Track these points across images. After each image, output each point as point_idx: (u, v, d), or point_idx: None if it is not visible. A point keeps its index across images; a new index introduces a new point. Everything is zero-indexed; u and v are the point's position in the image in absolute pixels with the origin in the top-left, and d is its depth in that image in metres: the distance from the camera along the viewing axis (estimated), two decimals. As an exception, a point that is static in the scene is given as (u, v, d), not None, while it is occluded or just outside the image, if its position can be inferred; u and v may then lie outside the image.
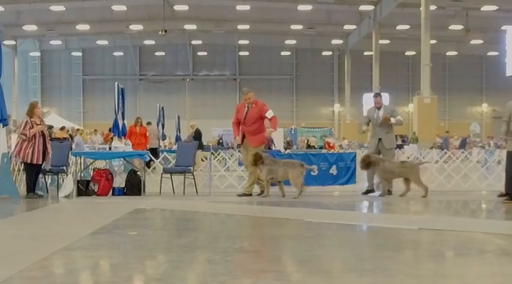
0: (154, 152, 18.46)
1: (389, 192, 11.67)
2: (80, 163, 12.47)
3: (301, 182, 11.11)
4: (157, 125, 25.72)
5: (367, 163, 11.56)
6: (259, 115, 11.59)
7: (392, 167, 11.51)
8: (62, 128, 26.25)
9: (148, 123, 21.83)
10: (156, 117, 27.31)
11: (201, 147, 20.76)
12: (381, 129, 12.05)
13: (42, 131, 11.39)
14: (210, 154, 14.39)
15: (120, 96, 19.44)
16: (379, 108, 12.21)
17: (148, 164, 14.00)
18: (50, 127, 21.30)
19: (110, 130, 25.69)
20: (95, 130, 31.25)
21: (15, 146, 11.48)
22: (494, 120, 45.54)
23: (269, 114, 11.62)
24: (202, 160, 18.35)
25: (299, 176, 11.08)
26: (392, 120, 12.01)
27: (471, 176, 13.77)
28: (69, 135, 25.95)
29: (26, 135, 11.21)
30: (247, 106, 11.64)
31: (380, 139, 12.02)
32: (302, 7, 40.45)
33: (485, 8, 37.99)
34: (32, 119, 11.37)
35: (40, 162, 11.32)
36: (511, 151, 10.42)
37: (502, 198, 10.61)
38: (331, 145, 37.01)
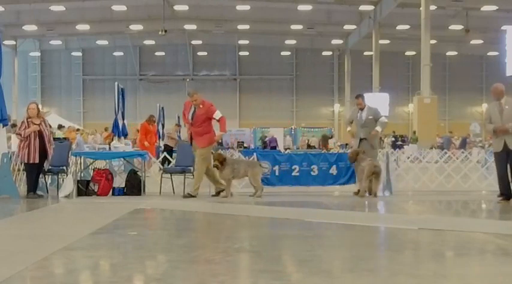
0: (170, 150, 18.29)
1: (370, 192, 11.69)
2: (80, 163, 12.48)
3: (259, 181, 11.36)
4: (157, 125, 25.74)
5: (354, 159, 11.74)
6: (207, 116, 11.42)
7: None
8: (60, 127, 26.29)
9: (177, 125, 22.06)
10: (156, 117, 27.31)
11: None
12: (364, 129, 12.05)
13: (40, 131, 11.36)
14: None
15: (120, 96, 19.42)
16: (361, 109, 12.21)
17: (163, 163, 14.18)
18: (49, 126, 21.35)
19: (105, 129, 25.78)
20: (95, 130, 31.23)
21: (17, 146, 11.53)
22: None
23: (217, 115, 11.42)
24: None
25: (258, 174, 11.30)
26: (378, 129, 12.01)
27: (471, 176, 13.77)
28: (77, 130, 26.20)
29: (21, 135, 11.24)
30: (194, 107, 11.46)
31: (362, 140, 12.02)
32: (302, 7, 40.44)
33: (485, 8, 37.99)
34: (29, 119, 11.36)
35: (37, 161, 11.29)
36: (496, 152, 10.52)
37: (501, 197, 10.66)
38: (328, 146, 37.08)
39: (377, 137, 12.34)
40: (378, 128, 12.00)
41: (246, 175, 11.37)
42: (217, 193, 11.44)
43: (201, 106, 11.40)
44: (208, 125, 11.46)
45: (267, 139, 39.72)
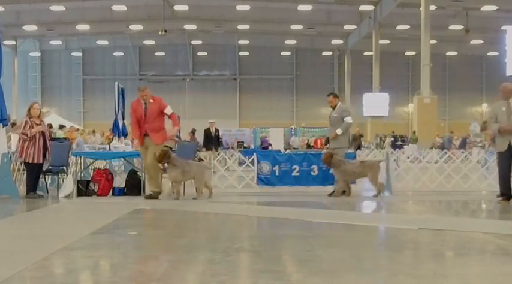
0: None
1: (344, 193, 11.63)
2: (80, 163, 12.48)
3: (210, 182, 11.30)
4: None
5: (328, 163, 11.60)
6: (160, 111, 11.26)
7: (353, 168, 11.47)
8: (61, 127, 26.33)
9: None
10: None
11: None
12: (331, 129, 12.00)
13: (42, 131, 11.43)
14: (210, 154, 14.40)
15: (120, 96, 19.42)
16: (333, 108, 12.11)
17: None
18: (50, 126, 21.39)
19: (110, 130, 25.75)
20: (93, 131, 31.20)
21: (17, 146, 11.49)
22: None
23: (168, 110, 11.28)
24: (201, 160, 18.24)
25: (204, 176, 11.07)
26: (338, 131, 11.78)
27: (471, 176, 13.77)
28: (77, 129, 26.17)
29: (27, 135, 11.23)
30: (145, 103, 11.23)
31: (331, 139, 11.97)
32: (302, 7, 40.45)
33: (485, 8, 38.00)
34: (31, 119, 11.39)
35: (41, 162, 11.37)
36: (500, 152, 10.47)
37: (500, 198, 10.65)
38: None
39: (338, 139, 11.84)
40: (338, 130, 11.76)
41: (193, 178, 11.09)
42: (150, 196, 11.01)
43: (151, 101, 11.21)
44: (161, 120, 11.32)
45: (262, 139, 39.75)
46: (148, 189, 11.28)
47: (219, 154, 18.25)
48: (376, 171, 11.43)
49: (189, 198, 11.14)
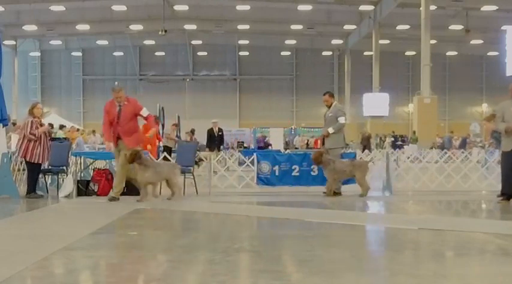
0: (170, 151, 18.13)
1: (337, 193, 11.68)
2: (80, 163, 12.48)
3: (179, 183, 11.07)
4: (157, 125, 25.72)
5: (318, 162, 11.60)
6: (134, 113, 10.83)
7: (343, 167, 11.46)
8: (61, 127, 26.34)
9: (175, 125, 21.91)
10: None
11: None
12: (325, 128, 11.99)
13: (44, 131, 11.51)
14: (210, 154, 14.40)
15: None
16: (328, 107, 12.12)
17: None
18: (51, 126, 21.42)
19: None
20: (93, 131, 31.22)
21: (20, 146, 11.43)
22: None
23: (144, 112, 10.90)
24: (201, 160, 18.23)
25: (176, 176, 10.91)
26: (330, 130, 11.81)
27: (471, 176, 13.77)
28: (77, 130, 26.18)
29: (35, 135, 11.21)
30: (119, 105, 10.74)
31: (324, 138, 11.95)
32: (302, 7, 40.44)
33: (485, 8, 37.99)
34: (35, 119, 11.42)
35: (45, 162, 11.45)
36: (505, 151, 10.44)
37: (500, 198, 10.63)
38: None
39: (333, 135, 11.89)
40: (330, 129, 11.81)
41: (165, 179, 10.83)
42: (113, 199, 10.57)
43: (126, 102, 10.75)
44: (135, 123, 10.94)
45: (257, 139, 39.76)
46: (113, 192, 10.73)
47: (219, 155, 18.19)
48: (364, 171, 11.42)
49: (189, 198, 11.14)
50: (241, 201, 10.89)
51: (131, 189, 11.76)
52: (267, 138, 40.40)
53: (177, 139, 20.73)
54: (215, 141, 20.84)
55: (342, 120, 11.95)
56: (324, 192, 11.74)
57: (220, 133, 21.18)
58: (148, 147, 17.13)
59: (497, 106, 10.94)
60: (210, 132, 21.08)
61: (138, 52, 53.70)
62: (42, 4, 40.12)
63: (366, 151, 22.60)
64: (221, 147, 22.00)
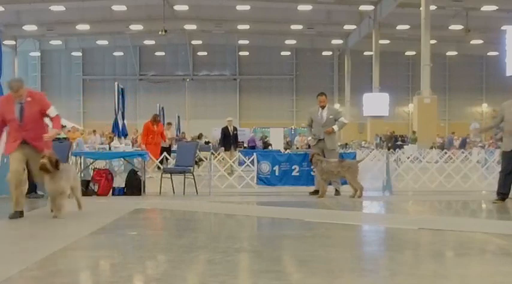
0: (169, 151, 18.06)
1: (337, 192, 11.78)
2: (80, 163, 12.47)
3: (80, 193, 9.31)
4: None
5: (310, 161, 11.78)
6: (41, 112, 8.35)
7: (330, 167, 11.45)
8: (62, 127, 26.35)
9: (169, 124, 21.89)
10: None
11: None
12: (324, 129, 11.95)
13: None
14: (210, 154, 14.40)
15: (120, 96, 19.46)
16: (322, 108, 12.10)
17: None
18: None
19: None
20: (94, 131, 31.20)
21: None
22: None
23: (52, 112, 8.39)
24: (202, 160, 18.21)
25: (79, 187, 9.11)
26: (335, 128, 11.90)
27: (471, 176, 13.78)
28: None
29: None
30: (20, 104, 8.22)
31: (321, 140, 11.94)
32: (302, 7, 40.44)
33: (485, 8, 37.99)
34: None
35: None
36: (506, 151, 10.46)
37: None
38: None
39: (334, 136, 11.99)
40: (335, 127, 11.89)
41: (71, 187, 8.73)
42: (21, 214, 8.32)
43: (28, 98, 8.25)
44: (42, 123, 8.52)
45: (249, 138, 39.69)
46: (16, 205, 8.33)
47: (235, 155, 17.99)
48: (354, 172, 11.39)
49: (188, 198, 11.14)
50: (241, 201, 10.88)
51: (131, 188, 11.77)
52: (267, 138, 40.36)
53: (176, 137, 20.72)
54: (230, 140, 19.88)
55: (344, 120, 12.20)
56: (310, 192, 11.85)
57: (235, 132, 20.20)
58: (143, 146, 17.18)
59: (500, 106, 10.95)
60: (225, 131, 19.99)
61: (138, 52, 53.70)
62: (42, 4, 40.12)
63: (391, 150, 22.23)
64: (237, 147, 21.12)
